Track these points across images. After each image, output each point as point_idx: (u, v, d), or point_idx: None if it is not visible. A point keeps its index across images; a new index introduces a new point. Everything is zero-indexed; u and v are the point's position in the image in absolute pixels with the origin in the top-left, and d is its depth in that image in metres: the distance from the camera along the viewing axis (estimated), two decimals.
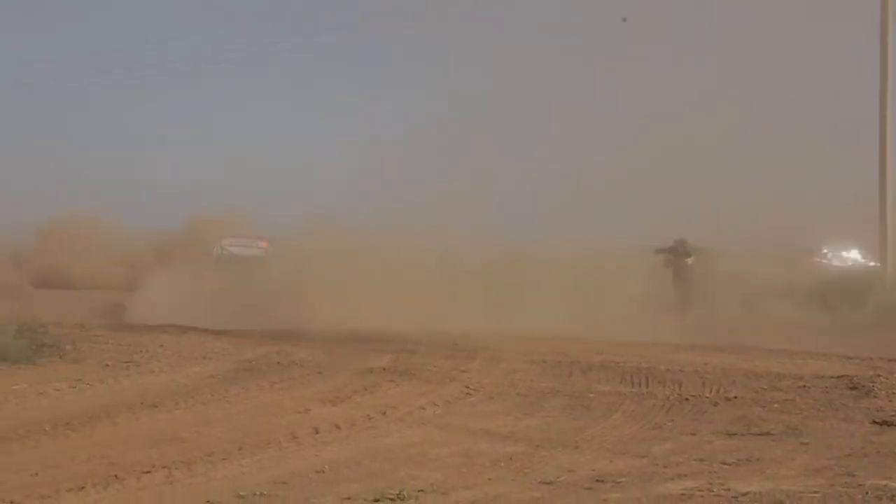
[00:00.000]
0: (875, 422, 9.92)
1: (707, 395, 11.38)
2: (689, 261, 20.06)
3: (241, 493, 7.34)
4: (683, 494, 7.20)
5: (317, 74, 60.73)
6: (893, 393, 11.20)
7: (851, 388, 11.50)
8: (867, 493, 7.12)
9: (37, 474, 7.90)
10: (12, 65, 63.18)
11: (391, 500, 7.17)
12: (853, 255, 27.28)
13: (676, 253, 20.17)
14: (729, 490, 7.26)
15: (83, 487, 7.50)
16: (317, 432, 9.49)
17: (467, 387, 12.00)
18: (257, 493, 7.36)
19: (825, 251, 27.30)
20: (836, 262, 26.88)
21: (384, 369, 13.21)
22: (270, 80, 62.25)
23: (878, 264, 23.73)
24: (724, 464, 8.22)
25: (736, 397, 11.23)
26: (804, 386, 11.73)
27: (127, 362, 13.69)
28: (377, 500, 7.14)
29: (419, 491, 7.39)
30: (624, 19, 33.59)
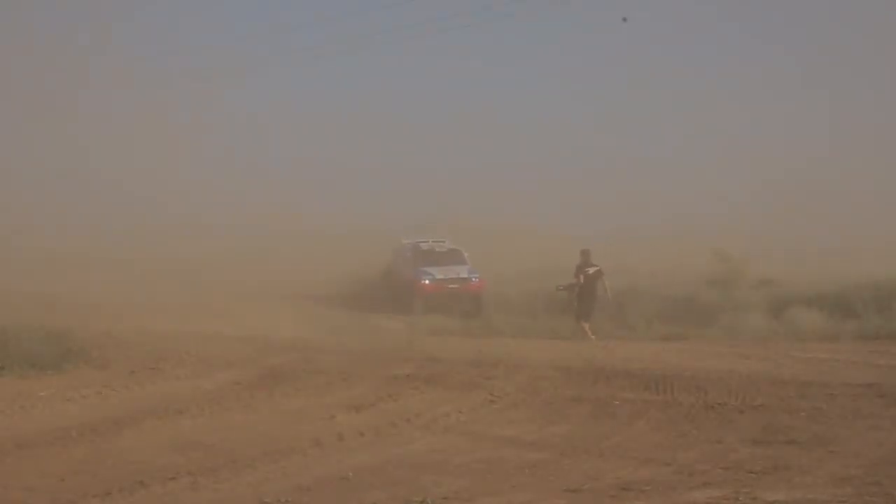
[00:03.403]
0: None
1: (733, 402, 11.29)
2: (591, 270, 18.77)
3: (266, 500, 7.37)
4: (709, 503, 7.15)
5: None
6: None
7: (880, 396, 11.37)
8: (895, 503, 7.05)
9: (63, 480, 7.96)
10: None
11: None
12: None
13: (580, 265, 18.84)
14: (755, 499, 7.21)
15: (109, 493, 7.56)
16: (341, 439, 9.51)
17: (491, 394, 11.98)
18: (282, 499, 7.38)
19: None
20: None
21: (408, 376, 13.21)
22: None
23: None
24: (751, 472, 8.15)
25: (762, 405, 11.13)
26: (831, 394, 11.61)
27: (153, 368, 13.77)
28: None
29: (443, 498, 7.39)
30: (624, 19, 33.99)
